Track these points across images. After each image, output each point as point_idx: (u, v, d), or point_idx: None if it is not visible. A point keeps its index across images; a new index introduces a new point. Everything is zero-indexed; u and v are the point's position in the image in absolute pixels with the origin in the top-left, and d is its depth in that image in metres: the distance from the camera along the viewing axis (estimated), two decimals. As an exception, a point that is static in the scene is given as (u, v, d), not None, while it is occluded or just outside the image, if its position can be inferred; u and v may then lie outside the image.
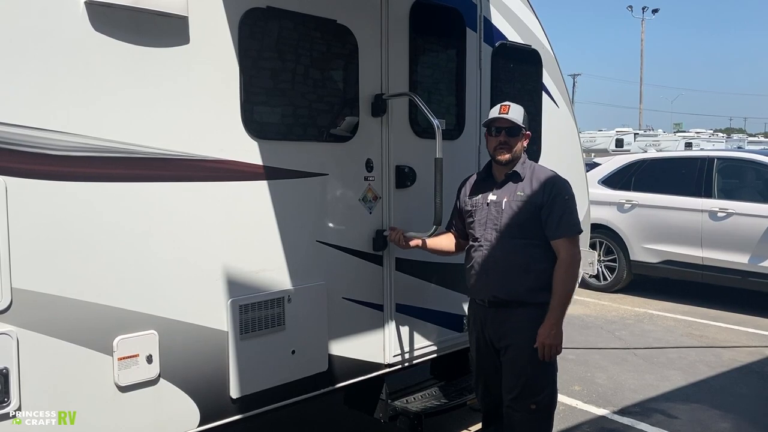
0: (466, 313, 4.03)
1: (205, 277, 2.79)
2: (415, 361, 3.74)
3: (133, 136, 2.55)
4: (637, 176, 8.79)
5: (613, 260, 8.75)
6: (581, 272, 4.59)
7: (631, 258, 8.53)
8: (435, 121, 3.16)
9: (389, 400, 3.61)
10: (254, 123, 2.94)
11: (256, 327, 2.93)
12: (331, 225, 3.26)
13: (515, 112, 3.06)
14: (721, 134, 38.48)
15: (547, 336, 2.93)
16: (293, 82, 3.08)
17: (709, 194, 7.93)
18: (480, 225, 3.11)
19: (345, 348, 3.35)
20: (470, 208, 3.17)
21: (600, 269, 8.79)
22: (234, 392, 2.87)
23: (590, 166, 9.18)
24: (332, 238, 3.26)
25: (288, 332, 3.06)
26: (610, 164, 9.35)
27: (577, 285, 2.96)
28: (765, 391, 5.23)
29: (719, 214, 7.72)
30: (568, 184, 3.08)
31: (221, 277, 2.83)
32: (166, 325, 2.65)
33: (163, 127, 2.63)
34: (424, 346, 3.77)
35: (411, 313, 3.69)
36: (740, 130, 65.42)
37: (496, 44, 4.18)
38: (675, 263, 8.16)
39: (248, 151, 2.91)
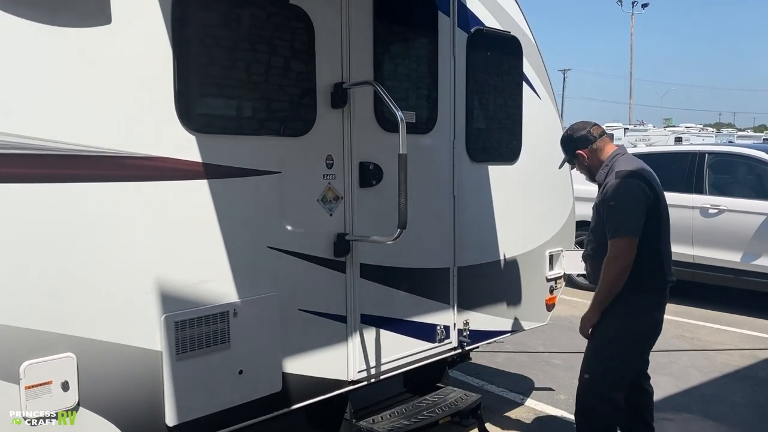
0: (441, 323, 3.72)
1: (133, 291, 2.45)
2: (383, 377, 3.43)
3: (44, 131, 2.20)
4: (626, 172, 8.49)
5: (602, 259, 8.46)
6: (574, 273, 5.05)
7: (620, 256, 8.24)
8: (398, 113, 2.83)
9: (354, 420, 3.29)
10: (192, 115, 2.60)
11: (195, 345, 2.60)
12: (285, 229, 2.93)
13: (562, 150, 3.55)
14: (711, 129, 38.38)
15: (583, 316, 3.37)
16: (238, 69, 2.74)
17: (700, 190, 7.68)
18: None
19: (302, 365, 3.02)
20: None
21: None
22: (170, 419, 2.54)
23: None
24: (287, 244, 2.93)
25: (234, 350, 2.73)
26: (598, 159, 9.06)
27: (614, 286, 3.20)
28: (758, 398, 4.95)
29: (710, 211, 7.48)
30: (620, 187, 3.16)
31: (153, 290, 2.49)
32: (86, 346, 2.31)
33: (80, 120, 2.29)
34: (392, 360, 3.45)
35: (378, 324, 3.37)
36: (729, 125, 65.43)
37: (472, 30, 3.85)
38: (665, 261, 7.89)
39: (185, 146, 2.57)
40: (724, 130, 39.12)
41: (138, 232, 2.45)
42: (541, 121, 4.41)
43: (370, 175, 3.23)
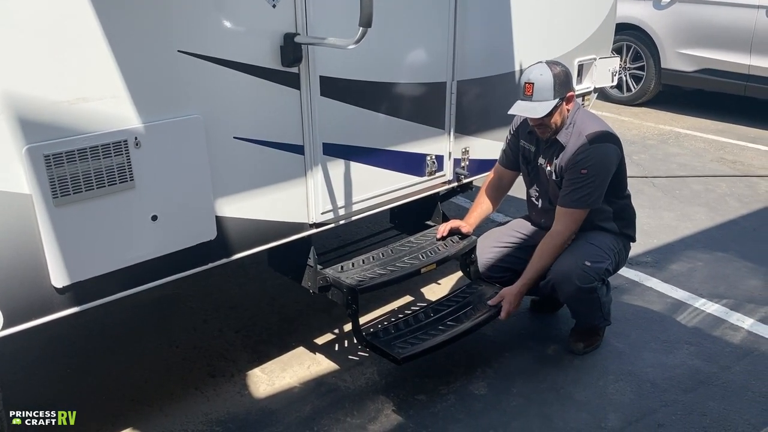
0: (432, 152, 3.00)
1: (-28, 114, 1.74)
2: (354, 217, 2.79)
3: None
4: (681, -38, 7.12)
5: (641, 68, 7.42)
6: (606, 85, 4.06)
7: (663, 66, 7.21)
8: None
9: (319, 267, 2.73)
10: None
11: (82, 186, 1.93)
12: (204, 27, 2.11)
13: (541, 94, 2.64)
14: None
15: (511, 292, 2.84)
16: None
17: (770, -15, 6.36)
18: (534, 185, 3.02)
19: (244, 207, 2.38)
20: (527, 156, 2.99)
21: (624, 78, 7.51)
22: (57, 280, 1.96)
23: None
24: (208, 48, 2.12)
25: (141, 191, 2.07)
26: (648, -53, 7.60)
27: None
28: (808, 235, 4.31)
29: (781, 11, 6.25)
30: (597, 155, 2.72)
31: (3, 112, 1.77)
32: None
33: None
34: (365, 199, 2.79)
35: (346, 156, 2.65)
36: None
37: None
38: (714, 72, 6.84)
39: None
40: None
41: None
42: None
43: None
